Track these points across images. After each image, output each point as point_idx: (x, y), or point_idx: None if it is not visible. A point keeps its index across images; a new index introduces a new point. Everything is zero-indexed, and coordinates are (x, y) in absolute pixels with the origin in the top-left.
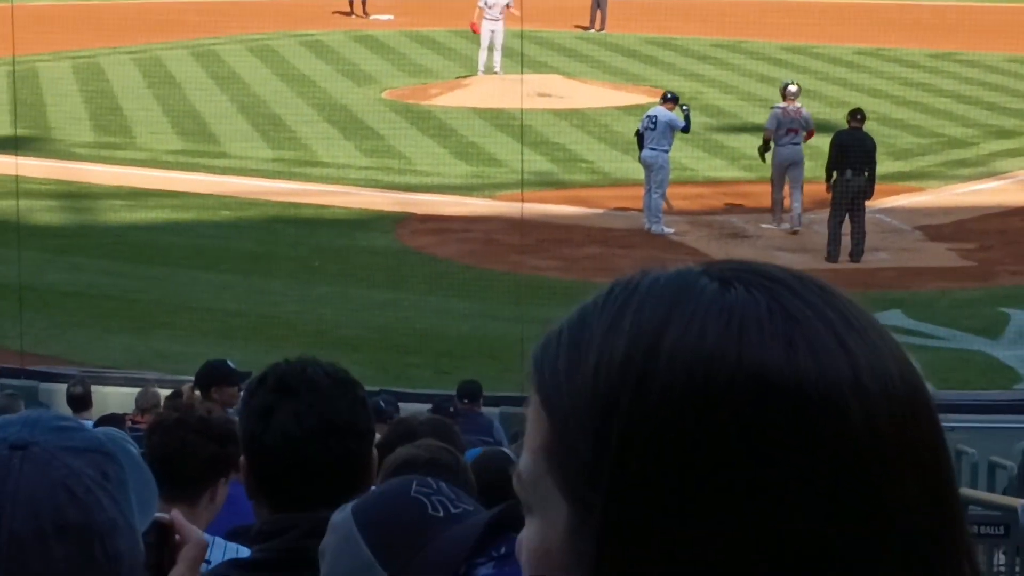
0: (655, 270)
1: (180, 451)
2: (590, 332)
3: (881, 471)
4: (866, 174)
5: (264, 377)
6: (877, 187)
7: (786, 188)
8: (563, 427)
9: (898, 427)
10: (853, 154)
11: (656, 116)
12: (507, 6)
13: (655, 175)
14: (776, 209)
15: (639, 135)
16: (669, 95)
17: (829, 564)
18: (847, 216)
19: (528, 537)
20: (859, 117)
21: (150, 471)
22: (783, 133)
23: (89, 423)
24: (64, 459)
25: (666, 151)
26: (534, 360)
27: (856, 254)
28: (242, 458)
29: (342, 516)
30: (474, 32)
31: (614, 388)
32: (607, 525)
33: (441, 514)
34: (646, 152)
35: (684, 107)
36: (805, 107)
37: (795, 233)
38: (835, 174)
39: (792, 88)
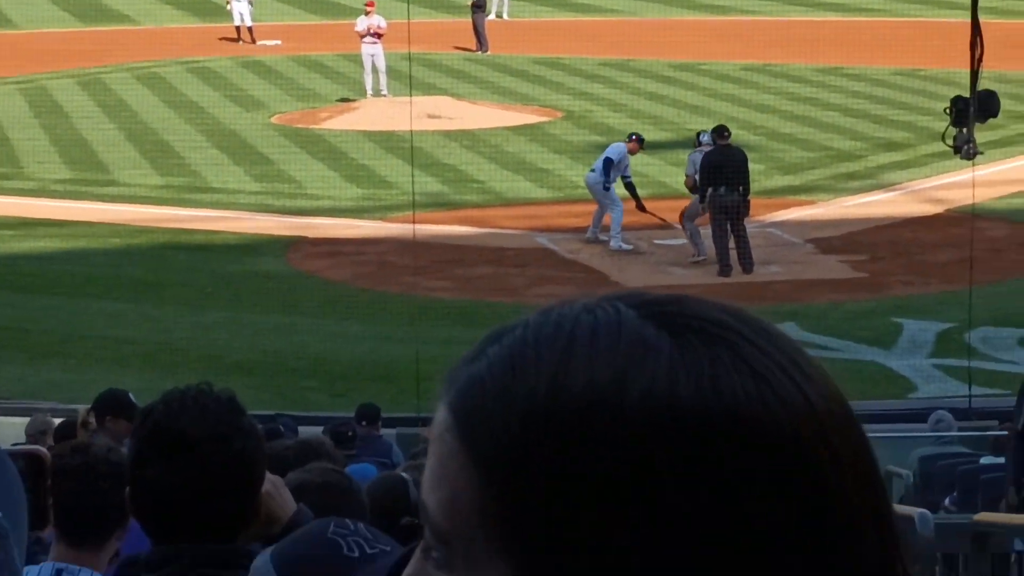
0: (583, 313)
1: (93, 499)
2: (528, 386)
3: (839, 493)
4: (740, 189)
5: (144, 419)
6: (768, 201)
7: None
8: (508, 487)
9: (847, 446)
10: (725, 171)
11: (612, 146)
12: (379, 28)
13: (603, 196)
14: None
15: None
16: (633, 136)
17: None
18: (730, 231)
19: None
20: (725, 134)
21: (23, 490)
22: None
23: None
24: None
25: (601, 173)
26: (455, 413)
27: (747, 267)
28: (127, 490)
29: (262, 560)
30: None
31: (576, 447)
32: None
33: (356, 554)
34: (588, 174)
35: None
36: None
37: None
38: (709, 191)
39: (705, 137)
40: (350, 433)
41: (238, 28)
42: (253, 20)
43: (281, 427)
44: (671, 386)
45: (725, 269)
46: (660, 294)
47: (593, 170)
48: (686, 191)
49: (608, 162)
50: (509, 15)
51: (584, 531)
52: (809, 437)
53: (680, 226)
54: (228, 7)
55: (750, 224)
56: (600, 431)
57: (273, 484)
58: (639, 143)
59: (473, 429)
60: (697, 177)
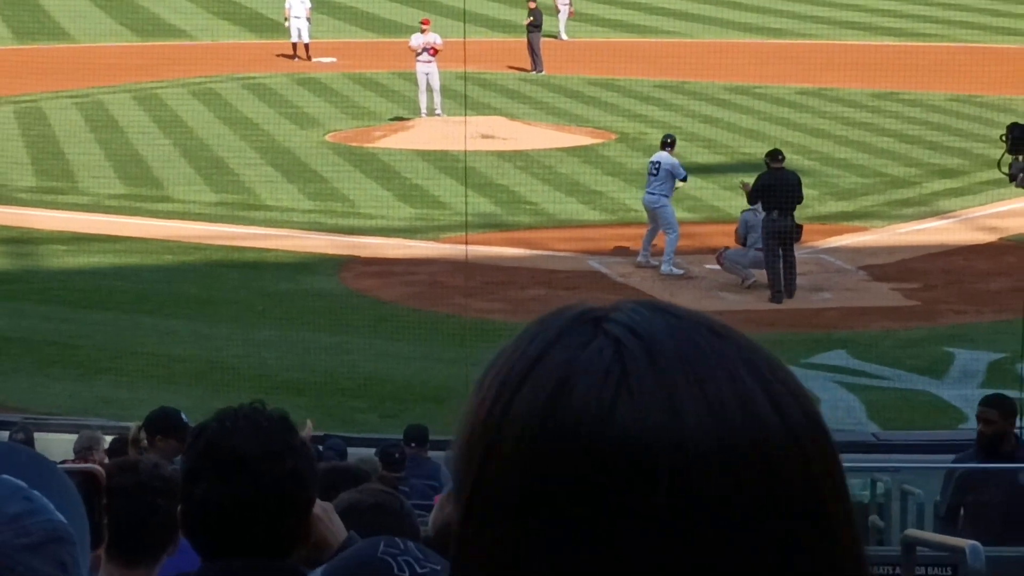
0: (534, 325)
1: (148, 516)
2: (481, 415)
3: (743, 504)
4: (793, 213)
5: (198, 436)
6: (821, 227)
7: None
8: (463, 514)
9: (733, 478)
10: (779, 194)
11: (660, 162)
12: (434, 46)
13: (661, 219)
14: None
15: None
16: (669, 139)
17: None
18: (781, 255)
19: None
20: (779, 157)
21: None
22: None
23: None
24: (23, 560)
25: (667, 195)
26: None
27: (790, 292)
28: (179, 507)
29: None
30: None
31: (475, 455)
32: None
33: (407, 573)
34: (646, 196)
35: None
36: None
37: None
38: (763, 214)
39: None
40: (398, 455)
41: (294, 45)
42: (310, 37)
43: (332, 450)
44: (535, 389)
45: (777, 296)
46: (638, 303)
47: (652, 192)
48: (736, 215)
49: (672, 179)
50: (567, 35)
51: (499, 555)
52: (651, 457)
53: (719, 266)
54: (287, 24)
55: (803, 250)
56: (487, 443)
57: (324, 510)
58: (675, 143)
59: (451, 459)
60: (747, 236)
